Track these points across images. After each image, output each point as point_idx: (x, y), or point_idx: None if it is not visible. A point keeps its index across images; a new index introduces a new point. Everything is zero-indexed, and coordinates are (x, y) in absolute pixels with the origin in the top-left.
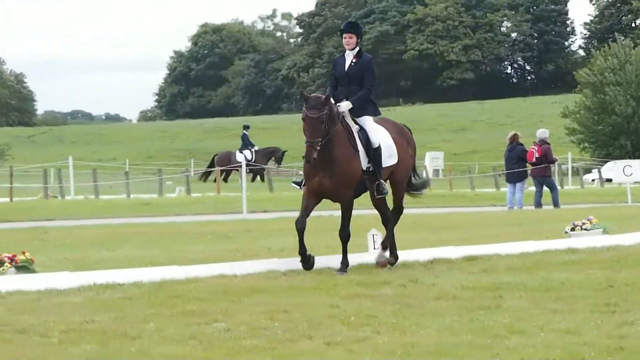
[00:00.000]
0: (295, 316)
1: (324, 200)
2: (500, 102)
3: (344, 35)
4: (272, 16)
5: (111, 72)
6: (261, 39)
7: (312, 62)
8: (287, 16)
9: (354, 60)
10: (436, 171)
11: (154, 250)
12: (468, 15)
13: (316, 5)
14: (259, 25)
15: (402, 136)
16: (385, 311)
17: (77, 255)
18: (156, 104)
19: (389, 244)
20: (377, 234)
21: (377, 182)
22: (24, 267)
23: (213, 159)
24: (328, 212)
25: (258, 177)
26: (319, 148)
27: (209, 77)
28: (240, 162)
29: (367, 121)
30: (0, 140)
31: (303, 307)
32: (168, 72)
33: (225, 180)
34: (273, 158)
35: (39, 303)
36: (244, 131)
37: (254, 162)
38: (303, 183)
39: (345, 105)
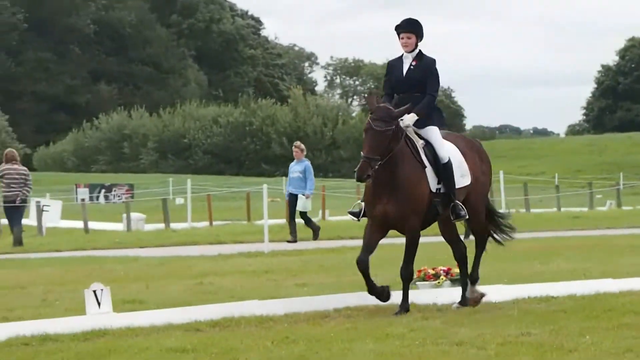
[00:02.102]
0: None
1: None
2: None
3: (401, 35)
4: None
5: (538, 87)
6: None
7: None
8: None
9: (414, 64)
10: None
11: (587, 263)
12: None
13: None
14: None
15: (474, 151)
16: None
17: (511, 268)
18: (584, 117)
19: (475, 269)
20: None
21: (452, 204)
22: (459, 280)
23: None
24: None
25: None
26: (376, 167)
27: (637, 90)
28: None
29: (433, 133)
30: None
31: None
32: (596, 86)
33: None
34: None
35: (475, 315)
36: None
37: None
38: (362, 214)
39: (409, 118)
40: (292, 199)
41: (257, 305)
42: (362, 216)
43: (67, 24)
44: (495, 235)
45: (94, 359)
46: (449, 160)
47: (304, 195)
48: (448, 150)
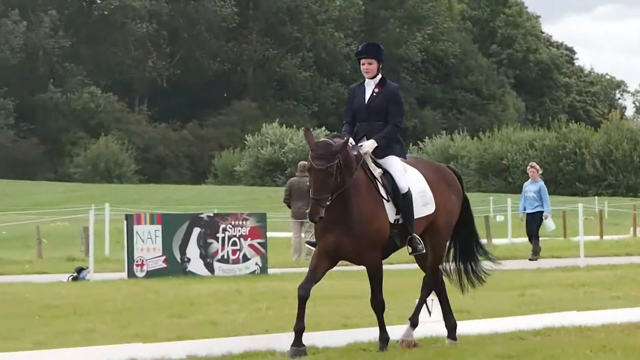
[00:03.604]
0: None
1: None
2: None
3: (362, 61)
4: None
5: None
6: None
7: None
8: None
9: (376, 90)
10: None
11: None
12: None
13: None
14: None
15: (441, 178)
16: None
17: None
18: None
19: (415, 313)
20: None
21: (409, 237)
22: None
23: None
24: None
25: None
26: (327, 205)
27: None
28: None
29: (393, 162)
30: None
31: None
32: None
33: None
34: None
35: None
36: None
37: None
38: None
39: (368, 145)
40: (529, 217)
41: (576, 316)
42: None
43: (396, 53)
44: (465, 274)
45: None
46: (409, 191)
47: (544, 216)
48: (410, 178)
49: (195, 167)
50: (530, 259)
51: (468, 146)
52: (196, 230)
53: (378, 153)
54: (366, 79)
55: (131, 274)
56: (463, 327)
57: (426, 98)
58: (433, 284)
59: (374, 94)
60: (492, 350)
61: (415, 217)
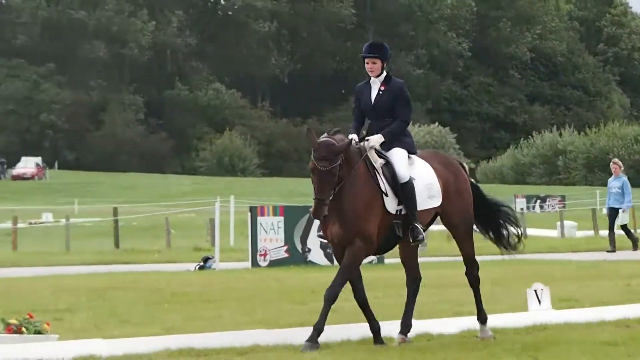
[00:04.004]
0: None
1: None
2: None
3: (366, 60)
4: None
5: None
6: None
7: None
8: None
9: (382, 89)
10: None
11: None
12: None
13: None
14: None
15: (449, 169)
16: None
17: None
18: None
19: (479, 309)
20: None
21: (411, 227)
22: None
23: None
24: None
25: None
26: (329, 202)
27: None
28: None
29: (397, 153)
30: None
31: None
32: None
33: None
34: None
35: None
36: None
37: None
38: None
39: (375, 140)
40: (612, 212)
41: None
42: None
43: (507, 52)
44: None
45: (536, 350)
46: (409, 181)
47: (621, 209)
48: (417, 170)
49: None
50: (634, 250)
51: (575, 141)
52: (317, 222)
53: (384, 147)
54: (371, 78)
55: (255, 263)
56: (571, 315)
57: (535, 94)
58: (473, 271)
59: (380, 92)
60: (599, 337)
61: (421, 208)
